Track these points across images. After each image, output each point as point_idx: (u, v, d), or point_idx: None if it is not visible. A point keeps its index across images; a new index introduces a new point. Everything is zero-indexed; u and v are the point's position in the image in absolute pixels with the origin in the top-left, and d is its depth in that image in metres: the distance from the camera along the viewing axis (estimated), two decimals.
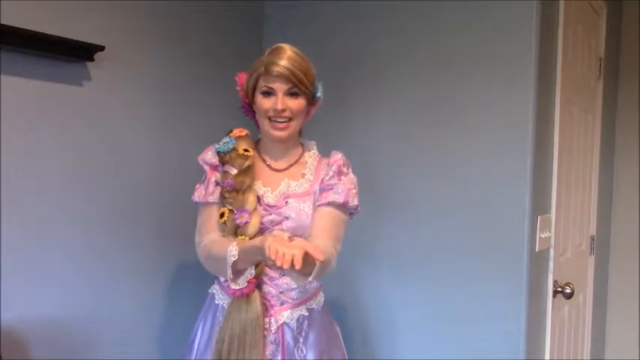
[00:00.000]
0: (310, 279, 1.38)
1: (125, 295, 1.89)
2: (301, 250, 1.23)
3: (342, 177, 1.56)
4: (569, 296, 2.14)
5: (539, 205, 1.97)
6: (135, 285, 1.92)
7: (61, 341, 1.71)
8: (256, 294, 1.49)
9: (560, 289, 2.13)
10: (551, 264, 2.08)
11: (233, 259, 1.40)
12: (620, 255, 3.01)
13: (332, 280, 1.78)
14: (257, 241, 1.37)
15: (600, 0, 2.56)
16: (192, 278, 2.04)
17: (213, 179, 1.55)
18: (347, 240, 1.60)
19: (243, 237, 1.46)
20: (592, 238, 2.70)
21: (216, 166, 1.55)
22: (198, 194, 1.57)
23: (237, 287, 1.46)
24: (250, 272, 1.46)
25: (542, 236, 1.97)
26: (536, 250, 1.94)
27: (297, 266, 1.21)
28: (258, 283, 1.51)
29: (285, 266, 1.21)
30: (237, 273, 1.45)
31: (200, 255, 1.55)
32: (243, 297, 1.47)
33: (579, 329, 2.58)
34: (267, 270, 1.53)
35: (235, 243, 1.42)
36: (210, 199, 1.54)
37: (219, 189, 1.53)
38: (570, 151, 2.27)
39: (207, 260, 1.52)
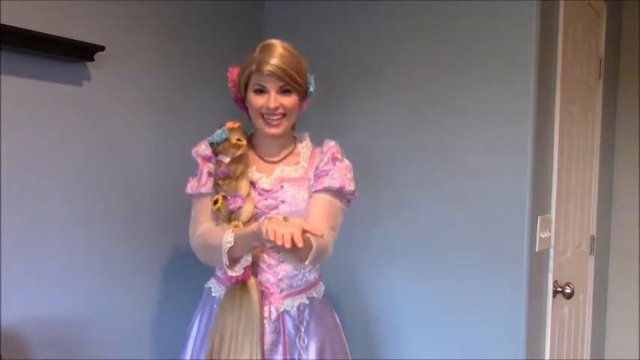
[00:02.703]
0: (308, 262, 1.36)
1: (125, 295, 1.88)
2: (299, 227, 1.22)
3: (337, 163, 1.56)
4: (569, 296, 2.14)
5: (539, 205, 1.97)
6: (135, 284, 1.92)
7: (61, 341, 1.71)
8: (252, 281, 1.48)
9: (560, 289, 2.13)
10: (551, 264, 2.08)
11: (229, 245, 1.39)
12: (620, 255, 3.01)
13: (331, 273, 1.79)
14: (254, 226, 1.35)
15: (600, 0, 2.56)
16: (192, 277, 2.04)
17: (205, 170, 1.55)
18: (346, 235, 1.60)
19: (237, 222, 1.46)
20: (592, 238, 2.70)
21: (209, 157, 1.55)
22: (191, 186, 1.57)
23: (234, 274, 1.45)
24: (247, 259, 1.45)
25: (542, 236, 1.97)
26: (536, 250, 1.94)
27: (299, 243, 1.19)
28: (254, 270, 1.50)
29: (287, 245, 1.19)
30: (234, 261, 1.44)
31: (194, 245, 1.54)
32: (239, 284, 1.47)
33: (579, 329, 2.58)
34: (266, 257, 1.52)
35: (231, 230, 1.42)
36: (203, 189, 1.54)
37: (211, 179, 1.53)
38: (570, 151, 2.27)
39: (203, 249, 1.51)
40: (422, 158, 2.06)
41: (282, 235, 1.20)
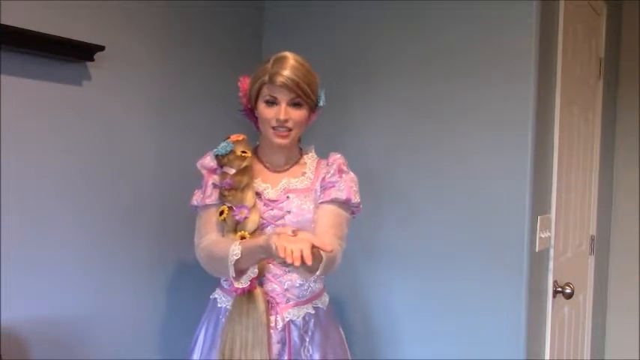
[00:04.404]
0: (318, 273, 1.37)
1: (126, 295, 1.88)
2: (308, 243, 1.23)
3: (343, 175, 1.58)
4: (569, 296, 2.14)
5: (539, 205, 1.97)
6: (136, 284, 1.92)
7: (61, 341, 1.71)
8: (258, 291, 1.49)
9: (560, 289, 2.13)
10: (551, 264, 2.08)
11: (236, 257, 1.39)
12: (620, 255, 3.01)
13: (333, 277, 1.78)
14: (261, 240, 1.36)
15: (600, 0, 2.56)
16: (193, 278, 2.04)
17: (210, 182, 1.56)
18: (348, 238, 1.60)
19: (244, 232, 1.46)
20: (592, 238, 2.70)
21: (214, 169, 1.56)
22: (197, 198, 1.59)
23: (241, 286, 1.46)
24: (253, 271, 1.46)
25: (542, 236, 1.97)
26: (536, 250, 1.94)
27: (308, 262, 1.20)
28: (260, 279, 1.51)
29: (296, 263, 1.19)
30: (240, 273, 1.45)
31: (200, 256, 1.55)
32: (245, 294, 1.48)
33: (579, 329, 2.58)
34: (272, 267, 1.53)
35: (238, 242, 1.42)
36: (208, 201, 1.55)
37: (217, 191, 1.54)
38: (570, 151, 2.27)
39: (209, 260, 1.52)
40: (421, 159, 2.05)
41: (292, 252, 1.20)
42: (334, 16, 2.23)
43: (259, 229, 1.49)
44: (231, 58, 2.22)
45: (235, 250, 1.40)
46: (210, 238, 1.53)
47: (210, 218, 1.55)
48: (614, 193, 3.03)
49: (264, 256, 1.37)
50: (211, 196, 1.54)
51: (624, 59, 2.98)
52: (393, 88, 2.11)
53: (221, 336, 1.50)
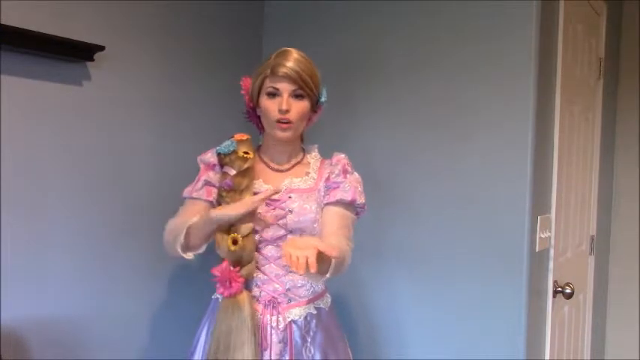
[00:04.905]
0: (328, 275, 1.39)
1: (125, 295, 1.89)
2: (314, 250, 1.23)
3: (348, 175, 1.59)
4: (569, 296, 2.14)
5: (539, 205, 1.97)
6: (135, 285, 1.92)
7: (61, 341, 1.71)
8: (244, 295, 1.49)
9: (560, 289, 2.13)
10: (551, 264, 2.08)
11: (190, 222, 1.46)
12: (620, 255, 3.01)
13: (336, 278, 1.78)
14: (217, 212, 1.44)
15: (600, 0, 2.56)
16: (192, 278, 2.05)
17: (203, 178, 1.57)
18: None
19: (236, 235, 1.47)
20: (592, 238, 2.70)
21: (213, 165, 1.57)
22: (187, 189, 1.60)
23: (187, 258, 1.51)
24: (202, 248, 1.52)
25: (542, 236, 1.97)
26: (536, 250, 1.94)
27: (312, 269, 1.20)
28: (250, 282, 1.52)
29: (301, 272, 1.21)
30: (191, 248, 1.51)
31: (164, 238, 1.56)
32: (231, 298, 1.48)
33: (579, 329, 2.58)
34: (274, 266, 1.54)
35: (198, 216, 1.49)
36: (195, 194, 1.57)
37: (207, 187, 1.56)
38: (570, 151, 2.27)
39: (168, 235, 1.54)
40: (421, 159, 2.05)
41: (297, 259, 1.21)
42: (334, 16, 2.23)
43: (253, 232, 1.50)
44: (231, 58, 2.22)
45: (193, 218, 1.47)
46: (179, 219, 1.54)
47: (190, 209, 1.56)
48: (614, 193, 3.03)
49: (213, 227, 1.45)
50: (199, 191, 1.56)
51: (624, 59, 2.98)
52: (394, 89, 2.11)
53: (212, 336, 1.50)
